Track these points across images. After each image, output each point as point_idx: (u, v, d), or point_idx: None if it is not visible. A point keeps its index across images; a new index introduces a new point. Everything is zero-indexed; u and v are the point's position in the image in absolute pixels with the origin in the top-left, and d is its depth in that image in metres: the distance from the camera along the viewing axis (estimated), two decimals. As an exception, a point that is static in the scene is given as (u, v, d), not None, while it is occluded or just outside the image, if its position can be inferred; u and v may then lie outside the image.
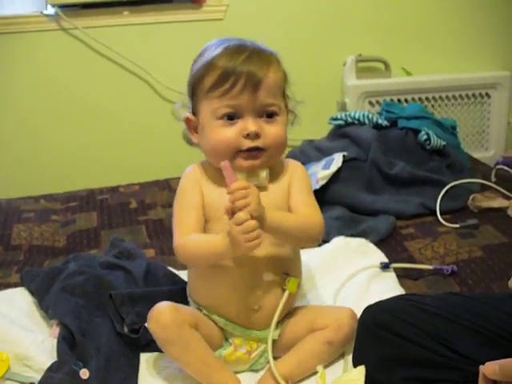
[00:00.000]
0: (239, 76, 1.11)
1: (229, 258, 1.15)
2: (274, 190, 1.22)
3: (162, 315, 1.13)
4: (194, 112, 1.20)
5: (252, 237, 1.05)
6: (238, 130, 1.13)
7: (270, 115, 1.15)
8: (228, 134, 1.13)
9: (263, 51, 1.16)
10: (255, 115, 1.14)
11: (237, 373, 1.22)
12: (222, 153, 1.14)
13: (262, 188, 1.18)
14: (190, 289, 1.29)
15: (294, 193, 1.25)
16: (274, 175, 1.23)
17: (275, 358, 1.20)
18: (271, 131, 1.15)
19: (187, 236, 1.16)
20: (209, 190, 1.21)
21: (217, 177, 1.19)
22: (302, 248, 1.34)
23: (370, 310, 1.12)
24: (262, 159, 1.16)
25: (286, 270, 1.22)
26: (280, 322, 1.24)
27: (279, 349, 1.24)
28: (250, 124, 1.13)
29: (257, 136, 1.13)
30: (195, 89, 1.18)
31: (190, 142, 1.26)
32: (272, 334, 1.18)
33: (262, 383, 1.19)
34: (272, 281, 1.20)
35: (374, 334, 1.08)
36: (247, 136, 1.13)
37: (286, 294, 1.20)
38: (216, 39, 1.21)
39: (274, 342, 1.22)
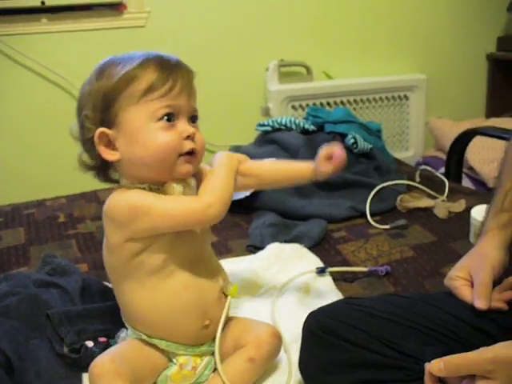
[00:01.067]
0: (176, 78, 1.10)
1: None
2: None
3: (96, 368, 1.09)
4: (109, 125, 1.11)
5: None
6: (179, 132, 1.11)
7: (194, 120, 1.16)
8: (172, 136, 1.10)
9: (182, 61, 1.16)
10: (187, 119, 1.14)
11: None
12: (165, 157, 1.10)
13: None
14: (126, 316, 1.22)
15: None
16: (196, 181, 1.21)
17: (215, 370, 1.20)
18: (199, 136, 1.15)
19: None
20: None
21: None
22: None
23: (314, 316, 1.13)
24: (194, 164, 1.15)
25: (223, 276, 1.23)
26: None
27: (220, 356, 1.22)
28: (188, 126, 1.13)
29: (193, 138, 1.13)
30: (114, 99, 1.10)
31: (88, 166, 1.17)
32: (219, 343, 1.17)
33: None
34: (218, 292, 1.20)
35: (320, 340, 1.09)
36: (187, 138, 1.12)
37: (229, 300, 1.20)
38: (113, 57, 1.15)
39: (213, 353, 1.21)
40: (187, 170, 1.14)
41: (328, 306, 1.17)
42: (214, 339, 1.19)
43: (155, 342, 1.18)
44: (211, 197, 1.13)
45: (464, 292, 1.13)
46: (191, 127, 1.13)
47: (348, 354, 1.06)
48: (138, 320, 1.19)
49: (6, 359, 1.17)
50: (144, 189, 1.13)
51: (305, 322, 1.14)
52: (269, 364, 1.21)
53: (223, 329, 1.23)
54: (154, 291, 1.15)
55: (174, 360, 1.20)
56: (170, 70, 1.11)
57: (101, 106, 1.11)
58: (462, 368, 0.94)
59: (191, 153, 1.13)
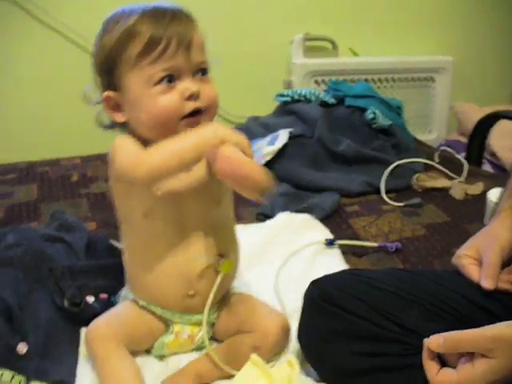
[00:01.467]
0: (170, 37, 1.03)
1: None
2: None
3: (90, 332, 1.11)
4: (114, 89, 1.09)
5: None
6: (180, 93, 1.05)
7: (203, 72, 1.09)
8: (170, 98, 1.05)
9: (183, 10, 1.09)
10: (191, 75, 1.07)
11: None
12: (166, 121, 1.06)
13: None
14: (127, 277, 1.23)
15: None
16: None
17: (216, 341, 1.20)
18: (208, 90, 1.08)
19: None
20: None
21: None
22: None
23: (316, 284, 1.12)
24: (202, 123, 1.07)
25: (221, 251, 1.17)
26: (218, 304, 1.21)
27: (219, 332, 1.22)
28: (190, 84, 1.06)
29: (197, 96, 1.07)
30: (115, 62, 1.07)
31: (105, 126, 1.16)
32: (206, 318, 1.14)
33: (199, 362, 1.16)
34: (207, 265, 1.15)
35: (320, 308, 1.08)
36: (189, 97, 1.06)
37: (220, 276, 1.14)
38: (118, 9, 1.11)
39: (213, 324, 1.21)
40: None
41: (331, 275, 1.16)
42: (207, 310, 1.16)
43: (151, 307, 1.18)
44: (149, 155, 1.03)
45: (471, 271, 1.11)
46: (194, 85, 1.06)
47: (347, 325, 1.05)
48: (132, 276, 1.20)
49: (7, 308, 1.18)
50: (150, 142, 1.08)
51: (307, 290, 1.13)
52: (273, 354, 1.17)
53: (226, 303, 1.22)
54: (143, 249, 1.15)
55: (171, 327, 1.19)
56: (165, 25, 1.04)
57: (104, 69, 1.09)
58: (462, 345, 0.92)
59: (197, 112, 1.07)
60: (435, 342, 0.94)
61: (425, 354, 0.97)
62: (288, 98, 2.14)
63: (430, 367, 0.96)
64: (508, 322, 0.91)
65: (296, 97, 2.12)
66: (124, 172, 1.04)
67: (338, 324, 1.06)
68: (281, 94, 2.17)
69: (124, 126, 1.14)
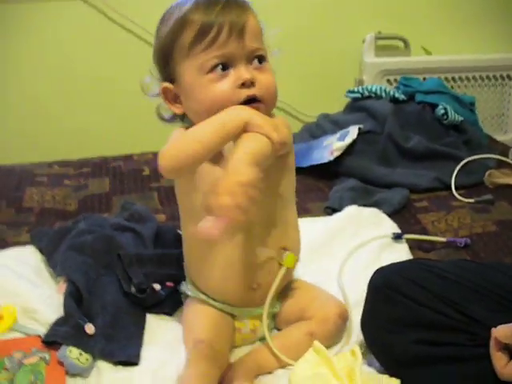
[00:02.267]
0: (222, 25, 1.03)
1: (235, 129, 1.00)
2: None
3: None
4: (171, 80, 1.10)
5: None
6: (232, 81, 1.04)
7: (259, 60, 1.07)
8: (222, 87, 1.04)
9: None
10: (245, 63, 1.06)
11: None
12: (221, 109, 1.03)
13: None
14: (187, 271, 1.24)
15: None
16: None
17: (279, 331, 1.20)
18: (263, 78, 1.07)
19: None
20: None
21: None
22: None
23: (381, 272, 1.11)
24: (260, 111, 1.06)
25: (283, 244, 1.17)
26: (280, 295, 1.22)
27: (281, 322, 1.22)
28: (243, 71, 1.04)
29: (252, 84, 1.05)
30: (170, 53, 1.08)
31: (164, 119, 1.18)
32: (267, 311, 1.14)
33: (258, 352, 1.16)
34: (269, 257, 1.15)
35: (385, 296, 1.07)
36: (242, 85, 1.04)
37: (283, 270, 1.14)
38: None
39: (276, 314, 1.21)
40: None
41: (396, 263, 1.15)
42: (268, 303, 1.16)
43: (211, 302, 1.18)
44: (171, 144, 1.03)
45: None
46: (248, 72, 1.05)
47: (411, 313, 1.04)
48: (192, 271, 1.21)
49: (77, 291, 1.22)
50: None
51: (371, 278, 1.12)
52: (330, 342, 1.16)
53: (287, 293, 1.22)
54: (206, 244, 1.13)
55: (234, 322, 1.20)
56: (217, 12, 1.03)
57: (162, 61, 1.11)
58: None
59: (253, 100, 1.05)
60: (503, 332, 0.92)
61: (492, 345, 0.95)
62: (358, 95, 2.12)
63: (498, 358, 0.94)
64: None
65: (366, 93, 2.11)
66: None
67: (402, 312, 1.05)
68: (351, 91, 2.16)
69: (183, 119, 1.15)
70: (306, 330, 1.15)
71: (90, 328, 1.13)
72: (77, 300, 1.20)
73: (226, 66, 1.05)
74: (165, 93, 1.12)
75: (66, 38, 2.54)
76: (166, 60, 1.09)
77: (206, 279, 1.18)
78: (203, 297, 1.19)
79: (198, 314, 1.17)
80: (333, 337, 1.17)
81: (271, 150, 1.01)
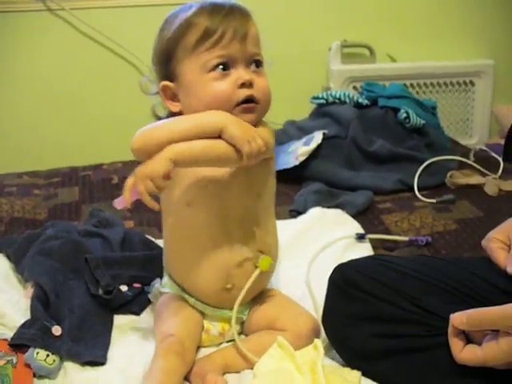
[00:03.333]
0: (226, 28, 1.09)
1: (209, 130, 1.06)
2: None
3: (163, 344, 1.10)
4: (171, 79, 1.15)
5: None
6: (233, 81, 1.10)
7: (257, 65, 1.13)
8: (223, 86, 1.10)
9: (239, 6, 1.15)
10: (245, 65, 1.11)
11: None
12: (219, 108, 1.09)
13: None
14: (166, 263, 1.26)
15: None
16: None
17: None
18: (260, 82, 1.12)
19: None
20: None
21: None
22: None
23: (340, 269, 1.13)
24: (256, 113, 1.12)
25: (260, 247, 1.20)
26: (251, 303, 1.23)
27: (249, 329, 1.23)
28: (243, 73, 1.10)
29: (251, 85, 1.10)
30: (172, 52, 1.13)
31: (161, 118, 1.20)
32: (236, 309, 1.16)
33: (226, 351, 1.18)
34: (246, 258, 1.18)
35: (343, 291, 1.09)
36: (242, 85, 1.10)
37: (257, 271, 1.17)
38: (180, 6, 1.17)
39: (244, 322, 1.23)
40: (248, 119, 1.11)
41: (355, 260, 1.18)
42: (241, 306, 1.18)
43: (185, 296, 1.21)
44: (143, 128, 1.07)
45: (498, 255, 1.09)
46: (247, 74, 1.10)
47: (369, 307, 1.06)
48: (171, 263, 1.23)
49: (44, 294, 1.23)
50: None
51: (331, 275, 1.14)
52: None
53: (257, 301, 1.24)
54: (185, 237, 1.18)
55: (203, 322, 1.21)
56: (221, 17, 1.09)
57: (163, 60, 1.16)
58: (485, 322, 0.92)
59: (250, 101, 1.11)
60: (459, 319, 0.94)
61: (450, 331, 0.97)
62: (323, 101, 2.17)
63: (455, 344, 0.96)
64: (531, 299, 0.91)
65: (331, 99, 2.15)
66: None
67: (361, 307, 1.07)
68: (316, 97, 2.20)
69: None
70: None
71: (56, 330, 1.15)
72: (44, 303, 1.21)
73: (227, 66, 1.10)
74: (164, 90, 1.16)
75: (39, 52, 2.57)
76: (168, 59, 1.14)
77: (183, 274, 1.21)
78: (178, 291, 1.21)
79: (171, 309, 1.19)
80: (302, 348, 1.15)
81: (235, 160, 1.07)
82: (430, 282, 1.08)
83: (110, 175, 2.07)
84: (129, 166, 2.15)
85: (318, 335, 1.19)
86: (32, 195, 1.91)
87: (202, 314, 1.22)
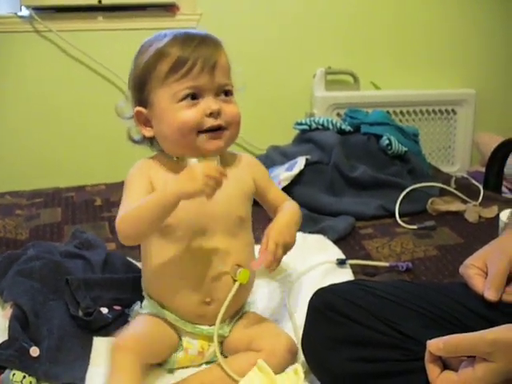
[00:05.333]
0: (196, 59, 1.13)
1: (173, 205, 1.09)
2: (228, 178, 1.19)
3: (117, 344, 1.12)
4: (145, 105, 1.20)
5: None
6: (201, 110, 1.14)
7: (226, 94, 1.18)
8: (191, 113, 1.14)
9: (211, 36, 1.19)
10: (214, 95, 1.16)
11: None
12: (185, 134, 1.15)
13: None
14: (144, 281, 1.28)
15: (269, 186, 1.32)
16: (225, 164, 1.23)
17: (225, 357, 1.21)
18: (229, 109, 1.17)
19: None
20: (160, 179, 1.20)
21: (170, 167, 1.20)
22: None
23: (320, 293, 1.14)
24: (224, 139, 1.18)
25: (239, 261, 1.22)
26: (231, 320, 1.25)
27: (229, 348, 1.23)
28: (212, 102, 1.15)
29: (218, 114, 1.15)
30: (146, 80, 1.18)
31: (134, 141, 1.26)
32: (219, 323, 1.17)
33: (201, 373, 1.18)
34: (224, 272, 1.20)
35: (322, 315, 1.10)
36: (210, 115, 1.14)
37: (236, 285, 1.19)
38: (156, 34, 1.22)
39: (224, 340, 1.23)
40: (215, 146, 1.17)
41: (335, 284, 1.18)
42: (221, 322, 1.19)
43: (166, 313, 1.21)
44: (120, 219, 1.13)
45: (476, 282, 1.11)
46: (216, 103, 1.15)
47: (348, 331, 1.07)
48: (150, 278, 1.24)
49: (23, 314, 1.23)
50: (172, 158, 1.21)
51: (310, 299, 1.15)
52: (277, 372, 1.16)
53: (237, 321, 1.25)
54: (164, 253, 1.19)
55: (183, 339, 1.22)
56: (192, 48, 1.14)
57: (137, 87, 1.21)
58: (461, 348, 0.93)
59: (217, 129, 1.16)
60: (435, 345, 0.95)
61: (426, 357, 0.98)
62: (306, 127, 2.19)
63: (431, 370, 0.97)
64: (506, 325, 0.92)
65: (314, 125, 2.17)
66: None
67: (339, 331, 1.07)
68: (299, 123, 2.22)
69: (152, 142, 1.24)
70: (254, 361, 1.15)
71: (34, 351, 1.14)
72: (23, 324, 1.21)
73: (196, 97, 1.15)
74: (138, 116, 1.21)
75: (25, 72, 2.59)
76: (142, 86, 1.19)
77: (162, 290, 1.22)
78: (158, 311, 1.22)
79: (140, 321, 1.21)
80: (279, 369, 1.17)
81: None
82: (408, 306, 1.09)
83: (93, 197, 2.07)
84: (112, 188, 2.16)
85: (294, 356, 1.19)
86: (14, 215, 1.91)
87: (182, 332, 1.22)
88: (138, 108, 1.20)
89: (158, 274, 1.21)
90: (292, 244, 1.21)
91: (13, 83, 2.58)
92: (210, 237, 1.19)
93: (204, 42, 1.16)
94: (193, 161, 1.17)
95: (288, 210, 1.28)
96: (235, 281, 1.19)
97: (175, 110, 1.15)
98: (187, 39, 1.16)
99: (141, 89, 1.19)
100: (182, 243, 1.18)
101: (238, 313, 1.27)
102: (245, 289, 1.25)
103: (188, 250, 1.18)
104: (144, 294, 1.28)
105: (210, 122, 1.15)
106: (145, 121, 1.21)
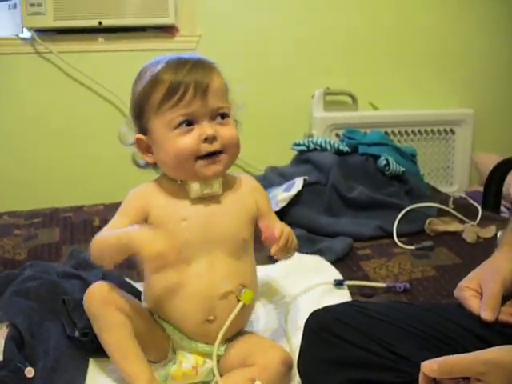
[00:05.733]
0: (187, 85, 1.14)
1: (124, 253, 1.13)
2: (228, 200, 1.25)
3: (93, 290, 1.17)
4: (144, 132, 1.21)
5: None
6: (197, 136, 1.15)
7: (222, 117, 1.18)
8: (187, 140, 1.15)
9: (203, 60, 1.20)
10: (209, 119, 1.17)
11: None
12: (183, 161, 1.16)
13: (216, 199, 1.23)
14: (145, 300, 1.28)
15: (268, 213, 1.33)
16: (228, 187, 1.26)
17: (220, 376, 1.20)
18: (226, 132, 1.18)
19: None
20: (161, 203, 1.22)
21: (172, 190, 1.23)
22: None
23: (315, 314, 1.14)
24: (222, 163, 1.19)
25: (243, 282, 1.23)
26: (228, 340, 1.24)
27: (225, 367, 1.23)
28: (206, 128, 1.15)
29: (214, 139, 1.16)
30: (143, 108, 1.19)
31: (139, 165, 1.28)
32: (218, 343, 1.17)
33: None
34: (229, 292, 1.20)
35: (318, 337, 1.10)
36: (205, 140, 1.15)
37: (240, 305, 1.20)
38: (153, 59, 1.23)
39: (220, 358, 1.22)
40: (212, 171, 1.18)
41: (330, 306, 1.18)
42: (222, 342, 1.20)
43: (164, 324, 1.22)
44: (96, 235, 1.19)
45: (472, 303, 1.11)
46: (210, 128, 1.16)
47: (343, 353, 1.06)
48: (152, 298, 1.24)
49: (19, 334, 1.23)
50: (176, 182, 1.22)
51: (306, 321, 1.15)
52: None
53: (232, 340, 1.25)
54: (168, 274, 1.18)
55: (176, 353, 1.23)
56: (184, 73, 1.15)
57: (136, 114, 1.22)
58: (455, 369, 0.92)
59: (213, 154, 1.17)
60: (429, 366, 0.94)
61: (420, 379, 0.97)
62: (304, 147, 2.19)
63: None
64: (500, 346, 0.92)
65: (312, 146, 2.18)
66: None
67: (334, 353, 1.07)
68: (297, 144, 2.22)
69: (156, 167, 1.26)
70: (248, 376, 1.15)
71: (29, 371, 1.14)
72: (18, 344, 1.20)
73: (190, 123, 1.16)
74: (138, 143, 1.22)
75: (25, 94, 2.61)
76: (140, 114, 1.21)
77: (164, 307, 1.22)
78: (156, 318, 1.23)
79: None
80: (276, 383, 1.17)
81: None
82: (404, 327, 1.09)
83: (91, 217, 2.07)
84: (110, 208, 2.16)
85: (289, 369, 1.19)
86: (12, 235, 1.90)
87: (177, 345, 1.23)
88: (139, 135, 1.22)
89: (161, 294, 1.22)
90: (294, 248, 1.27)
91: (14, 105, 2.60)
92: (215, 258, 1.21)
93: (196, 66, 1.17)
94: (195, 185, 1.20)
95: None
96: (239, 301, 1.20)
97: (171, 138, 1.16)
98: (179, 65, 1.17)
99: (139, 116, 1.21)
100: (187, 264, 1.19)
101: (238, 334, 1.27)
102: (247, 310, 1.26)
103: (193, 272, 1.19)
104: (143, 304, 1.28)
105: (206, 148, 1.16)
106: (146, 147, 1.22)
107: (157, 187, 1.24)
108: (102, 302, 1.15)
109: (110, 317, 1.15)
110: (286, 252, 1.26)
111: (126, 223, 1.18)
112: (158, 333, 1.23)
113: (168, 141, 1.17)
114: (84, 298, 1.18)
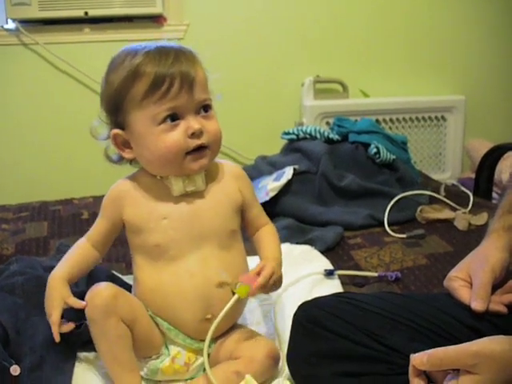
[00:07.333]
0: (173, 78, 1.09)
1: None
2: (211, 192, 1.21)
3: (96, 295, 1.13)
4: (121, 127, 1.15)
5: None
6: (183, 131, 1.11)
7: (205, 109, 1.14)
8: (174, 137, 1.11)
9: (185, 50, 1.15)
10: (194, 113, 1.13)
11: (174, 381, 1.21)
12: (172, 159, 1.12)
13: (199, 193, 1.19)
14: (138, 291, 1.23)
15: (252, 202, 1.30)
16: (210, 176, 1.22)
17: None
18: (211, 127, 1.14)
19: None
20: (139, 201, 1.18)
21: (151, 187, 1.19)
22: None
23: (303, 307, 1.13)
24: (207, 157, 1.15)
25: (235, 273, 1.20)
26: (218, 337, 1.22)
27: (213, 362, 1.20)
28: (193, 122, 1.11)
29: (201, 133, 1.12)
30: (121, 101, 1.13)
31: (112, 160, 1.23)
32: (210, 335, 1.14)
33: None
34: (224, 282, 1.17)
35: (306, 330, 1.09)
36: (192, 135, 1.11)
37: (235, 297, 1.16)
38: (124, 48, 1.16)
39: (209, 355, 1.19)
40: (199, 166, 1.15)
41: (319, 297, 1.17)
42: (213, 338, 1.18)
43: (158, 320, 1.19)
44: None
45: (462, 293, 1.10)
46: (197, 122, 1.12)
47: (331, 345, 1.06)
48: (145, 296, 1.21)
49: (4, 331, 1.20)
50: (154, 176, 1.19)
51: (294, 313, 1.14)
52: (259, 381, 1.14)
53: (225, 334, 1.23)
54: (159, 272, 1.17)
55: (169, 348, 1.20)
56: (168, 65, 1.09)
57: (111, 109, 1.16)
58: (445, 362, 0.91)
59: (200, 148, 1.13)
60: (419, 359, 0.93)
61: (410, 371, 0.96)
62: (294, 136, 2.17)
63: None
64: (490, 337, 0.91)
65: (301, 134, 2.16)
66: None
67: (324, 345, 1.06)
68: (287, 132, 2.20)
69: (131, 162, 1.21)
70: (233, 369, 1.14)
71: (15, 369, 1.12)
72: (4, 341, 1.18)
73: (176, 117, 1.11)
74: (115, 138, 1.17)
75: (11, 85, 2.58)
76: (117, 108, 1.14)
77: (160, 305, 1.19)
78: (150, 313, 1.20)
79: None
80: (261, 376, 1.15)
81: None
82: (394, 318, 1.08)
83: (80, 210, 2.05)
84: (99, 201, 2.13)
85: (275, 362, 1.18)
86: (0, 230, 1.88)
87: (170, 341, 1.20)
88: (115, 131, 1.15)
89: (153, 292, 1.19)
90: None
91: (-1, 95, 2.57)
92: (206, 254, 1.18)
93: (179, 57, 1.11)
94: (177, 182, 1.16)
95: (278, 246, 1.30)
96: (234, 293, 1.17)
97: (156, 134, 1.11)
98: (162, 55, 1.10)
99: (116, 110, 1.15)
100: (177, 262, 1.17)
101: (230, 329, 1.24)
102: (240, 305, 1.24)
103: (184, 268, 1.16)
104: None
105: (194, 143, 1.12)
106: (123, 142, 1.17)
107: (134, 184, 1.20)
108: (104, 311, 1.10)
109: (110, 328, 1.11)
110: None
111: (104, 225, 1.23)
112: (153, 329, 1.19)
113: (152, 137, 1.12)
114: (86, 298, 1.14)
